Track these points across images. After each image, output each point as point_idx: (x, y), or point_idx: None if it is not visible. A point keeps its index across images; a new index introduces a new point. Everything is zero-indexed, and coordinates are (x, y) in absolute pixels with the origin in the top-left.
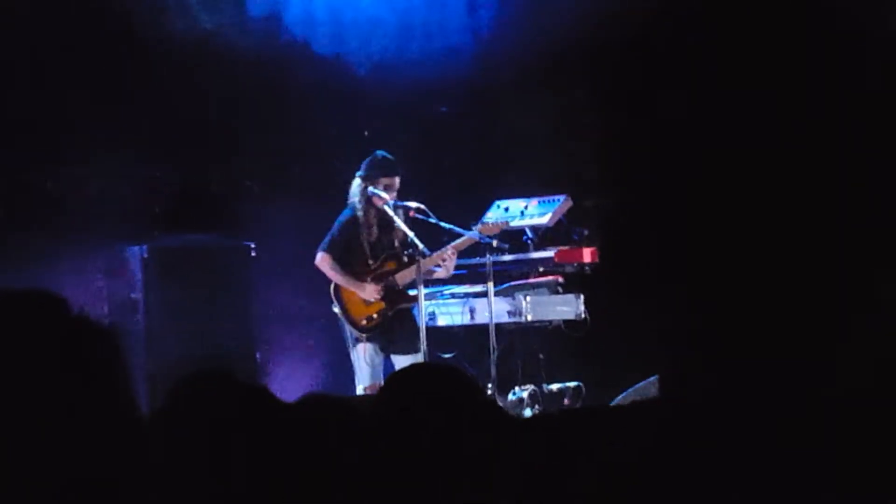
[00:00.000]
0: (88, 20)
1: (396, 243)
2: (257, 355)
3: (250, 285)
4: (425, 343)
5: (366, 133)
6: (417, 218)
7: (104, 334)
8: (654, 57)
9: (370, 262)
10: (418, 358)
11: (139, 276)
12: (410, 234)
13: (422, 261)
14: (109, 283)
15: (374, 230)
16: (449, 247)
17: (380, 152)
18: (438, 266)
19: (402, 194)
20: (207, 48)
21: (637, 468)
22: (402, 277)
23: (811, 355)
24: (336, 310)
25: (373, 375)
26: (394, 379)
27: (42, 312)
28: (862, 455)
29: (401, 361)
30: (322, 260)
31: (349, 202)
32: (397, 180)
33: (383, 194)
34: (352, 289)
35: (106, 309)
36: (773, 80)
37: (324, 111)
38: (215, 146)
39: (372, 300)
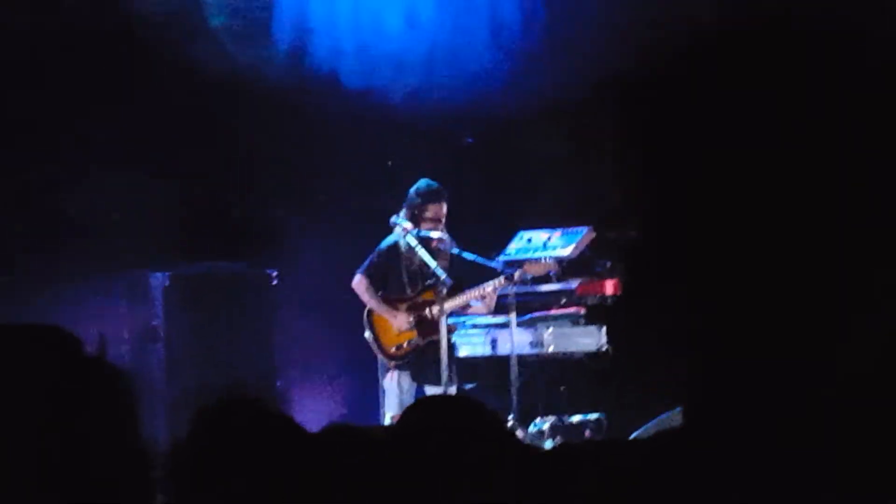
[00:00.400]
0: (119, 49)
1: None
2: (278, 383)
3: (272, 313)
4: (454, 373)
5: (389, 163)
6: (439, 249)
7: (114, 378)
8: (679, 89)
9: (408, 290)
10: (450, 389)
11: (160, 303)
12: (433, 263)
13: (460, 295)
14: (131, 310)
15: (416, 259)
16: (490, 284)
17: (425, 180)
18: (478, 300)
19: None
20: (235, 78)
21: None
22: (438, 309)
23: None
24: (367, 336)
25: (401, 404)
26: (409, 411)
27: (47, 352)
28: (862, 455)
29: (432, 391)
30: (359, 283)
31: (393, 229)
32: (444, 207)
33: (407, 224)
34: (384, 315)
35: (127, 336)
36: (794, 107)
37: (348, 140)
38: (239, 173)
39: (403, 329)
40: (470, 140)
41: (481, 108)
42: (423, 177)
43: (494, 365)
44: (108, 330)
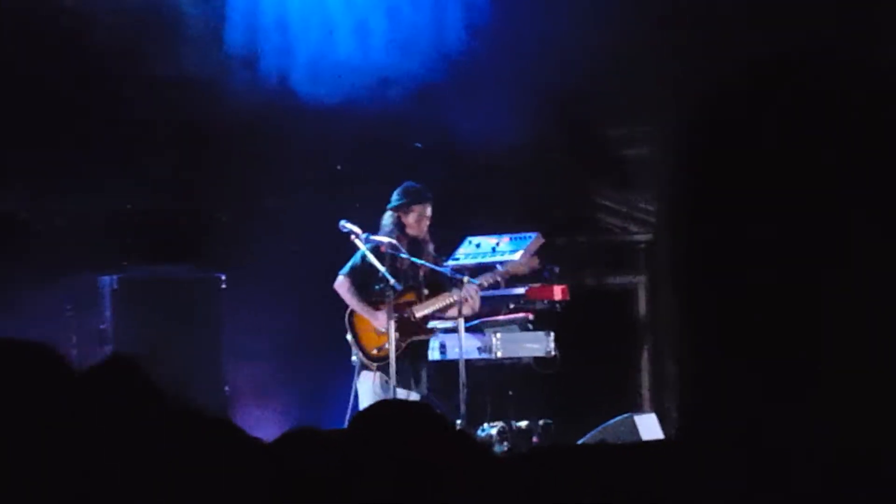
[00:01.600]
0: (62, 52)
1: (421, 275)
2: (226, 388)
3: (220, 317)
4: (427, 377)
5: (338, 167)
6: (388, 253)
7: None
8: (620, 95)
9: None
10: (419, 394)
11: (108, 306)
12: (382, 269)
13: (436, 297)
14: (78, 314)
15: (403, 264)
16: (473, 283)
17: (408, 182)
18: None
19: (373, 228)
20: (181, 82)
21: None
22: (419, 309)
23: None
24: (348, 337)
25: None
26: (360, 417)
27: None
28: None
29: (404, 396)
30: (341, 284)
31: (381, 232)
32: (429, 208)
33: (355, 228)
34: (365, 316)
35: (74, 339)
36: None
37: (297, 144)
38: (186, 178)
39: (383, 329)
40: (418, 145)
41: (429, 113)
42: (371, 181)
43: (443, 369)
44: (55, 333)
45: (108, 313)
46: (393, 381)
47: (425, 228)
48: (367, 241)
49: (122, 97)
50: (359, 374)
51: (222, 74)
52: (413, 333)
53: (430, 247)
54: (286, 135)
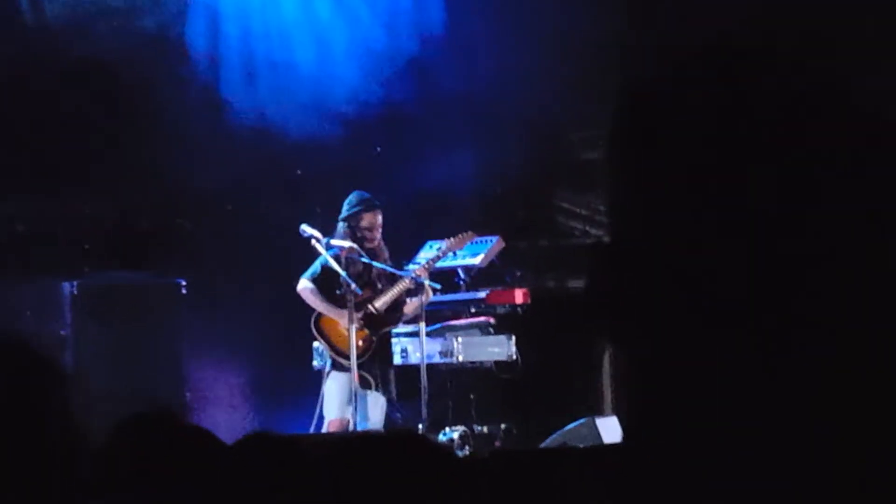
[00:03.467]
0: (22, 57)
1: (374, 273)
2: (187, 394)
3: (180, 323)
4: (393, 380)
5: (298, 171)
6: (351, 258)
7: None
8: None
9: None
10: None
11: (68, 312)
12: (343, 273)
13: (389, 290)
14: (38, 319)
15: (358, 266)
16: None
17: (357, 192)
18: (414, 296)
19: (334, 233)
20: (145, 89)
21: None
22: (378, 301)
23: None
24: (317, 344)
25: (340, 409)
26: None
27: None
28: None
29: (372, 397)
30: (304, 288)
31: (333, 241)
32: (380, 216)
33: (316, 233)
34: (332, 316)
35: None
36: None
37: (256, 151)
38: (146, 184)
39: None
40: (378, 149)
41: (389, 118)
42: (331, 187)
43: (405, 374)
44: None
45: (68, 319)
46: (355, 382)
47: (378, 235)
48: (327, 246)
49: (84, 101)
50: (328, 375)
51: (180, 82)
52: (381, 326)
53: (385, 254)
54: (246, 142)
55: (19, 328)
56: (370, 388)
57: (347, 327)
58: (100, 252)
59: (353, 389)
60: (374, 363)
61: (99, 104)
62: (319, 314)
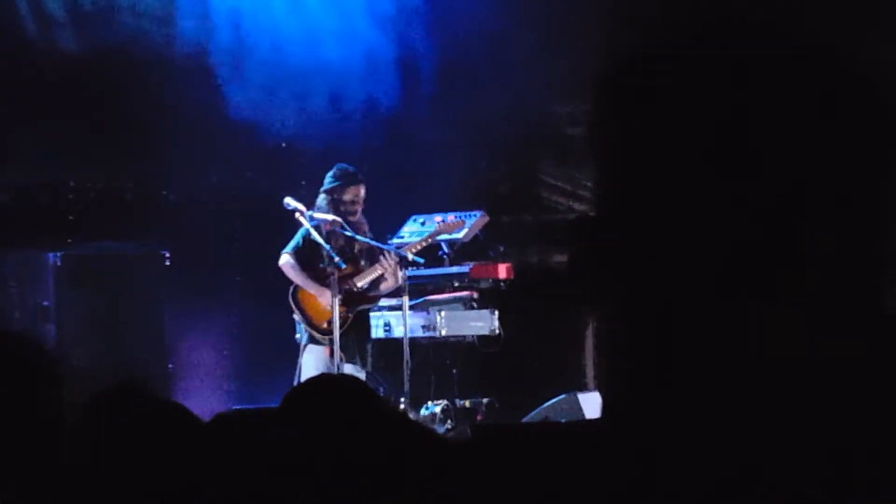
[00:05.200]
0: (10, 34)
1: (357, 249)
2: (169, 365)
3: (164, 294)
4: (372, 353)
5: (283, 144)
6: (334, 231)
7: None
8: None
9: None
10: (364, 369)
11: (51, 283)
12: (327, 246)
13: (371, 268)
14: (21, 290)
15: (340, 240)
16: (387, 257)
17: (341, 165)
18: (385, 277)
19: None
20: (125, 56)
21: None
22: (360, 279)
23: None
24: (295, 317)
25: None
26: (293, 394)
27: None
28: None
29: (350, 370)
30: (286, 261)
31: (316, 214)
32: (363, 190)
33: (300, 206)
34: (311, 291)
35: (17, 315)
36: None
37: (240, 122)
38: (130, 154)
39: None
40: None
41: (373, 94)
42: (314, 160)
43: (387, 347)
44: None
45: (51, 290)
46: (337, 357)
47: (360, 210)
48: (311, 219)
49: (69, 74)
50: (304, 348)
51: (166, 50)
52: (358, 303)
53: (365, 227)
54: (231, 113)
55: (2, 299)
56: (349, 361)
57: (325, 305)
58: (84, 223)
59: (333, 362)
60: (350, 337)
61: (84, 76)
62: (297, 286)
